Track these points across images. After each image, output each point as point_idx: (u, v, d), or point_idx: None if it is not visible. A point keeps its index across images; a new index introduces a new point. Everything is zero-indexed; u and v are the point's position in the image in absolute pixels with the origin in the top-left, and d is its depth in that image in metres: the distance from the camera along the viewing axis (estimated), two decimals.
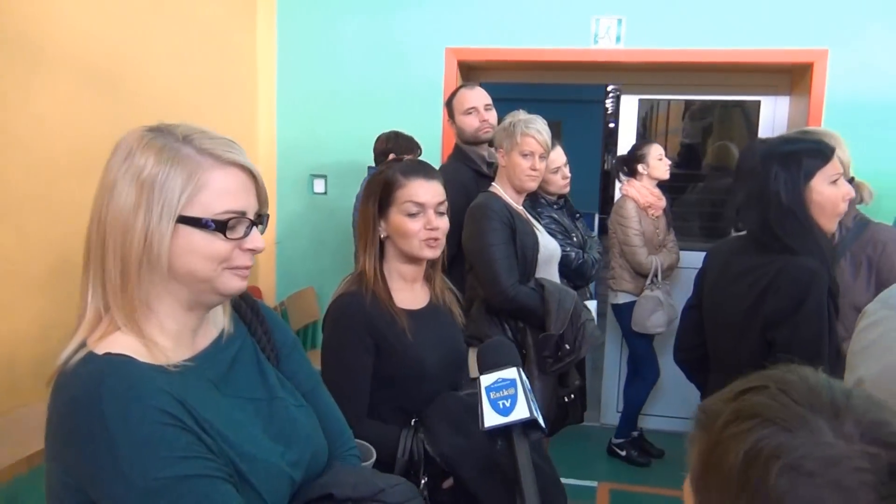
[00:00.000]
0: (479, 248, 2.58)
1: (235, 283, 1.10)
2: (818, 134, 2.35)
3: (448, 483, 1.65)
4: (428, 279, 1.88)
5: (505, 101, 5.67)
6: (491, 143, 2.92)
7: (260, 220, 1.12)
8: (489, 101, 3.08)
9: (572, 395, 2.74)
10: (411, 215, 1.75)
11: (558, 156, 3.27)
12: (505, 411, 1.21)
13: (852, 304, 2.25)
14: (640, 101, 4.40)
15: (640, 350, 3.97)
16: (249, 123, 4.11)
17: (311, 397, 1.29)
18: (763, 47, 3.74)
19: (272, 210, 4.28)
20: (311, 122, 4.17)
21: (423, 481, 1.60)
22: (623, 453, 4.08)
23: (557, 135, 7.61)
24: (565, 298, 2.59)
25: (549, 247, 2.73)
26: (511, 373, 1.27)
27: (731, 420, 0.67)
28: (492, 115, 3.03)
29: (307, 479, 1.18)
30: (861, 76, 3.68)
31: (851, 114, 3.67)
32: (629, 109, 4.39)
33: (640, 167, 3.85)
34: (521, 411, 1.21)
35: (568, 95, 6.87)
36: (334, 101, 4.13)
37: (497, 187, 2.70)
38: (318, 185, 4.21)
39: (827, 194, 1.82)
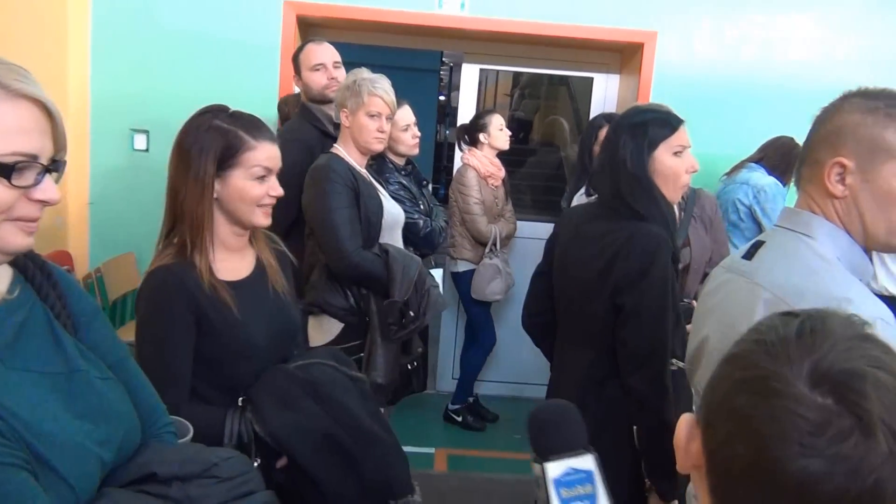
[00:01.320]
0: (320, 211, 2.46)
1: (19, 240, 0.95)
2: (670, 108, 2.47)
3: (282, 462, 1.55)
4: (251, 244, 1.74)
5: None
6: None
7: (55, 166, 0.96)
8: (338, 58, 2.95)
9: (415, 363, 2.71)
10: (260, 178, 1.61)
11: (407, 114, 3.20)
12: None
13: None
14: (480, 70, 4.41)
15: (478, 317, 4.03)
16: (57, 66, 3.66)
17: (119, 370, 1.14)
18: (599, 25, 3.85)
19: (83, 166, 3.88)
20: (132, 71, 3.79)
21: (255, 463, 1.48)
22: (459, 419, 4.14)
23: (404, 100, 7.46)
24: (410, 265, 2.53)
25: (393, 212, 2.66)
26: (587, 462, 0.99)
27: (751, 329, 0.69)
28: (340, 74, 2.90)
29: (120, 459, 1.05)
30: (688, 59, 3.90)
31: (677, 95, 3.87)
32: (470, 79, 4.39)
33: (481, 136, 3.87)
34: None
35: (403, 63, 6.78)
36: (159, 51, 3.79)
37: (339, 149, 2.58)
38: (140, 141, 3.86)
39: (669, 164, 1.87)
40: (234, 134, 1.60)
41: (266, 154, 1.62)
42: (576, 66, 4.38)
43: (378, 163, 2.98)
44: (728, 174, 3.58)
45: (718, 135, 3.87)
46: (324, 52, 2.94)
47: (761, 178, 3.38)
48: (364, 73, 2.62)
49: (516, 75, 7.53)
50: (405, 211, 2.85)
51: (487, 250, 3.83)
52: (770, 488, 0.59)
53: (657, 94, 3.88)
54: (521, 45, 4.19)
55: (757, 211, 3.36)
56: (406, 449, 3.62)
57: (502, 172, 3.95)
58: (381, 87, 2.56)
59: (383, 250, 2.53)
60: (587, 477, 0.96)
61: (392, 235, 2.65)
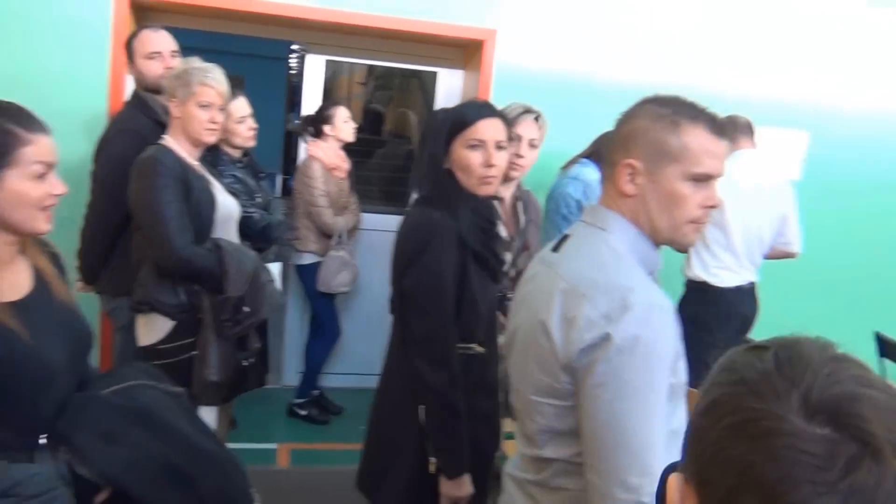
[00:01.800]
0: (147, 205, 2.37)
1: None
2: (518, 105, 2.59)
3: (102, 496, 1.46)
4: (22, 251, 1.54)
5: (181, 49, 5.27)
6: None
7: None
8: (175, 46, 2.84)
9: (252, 359, 2.66)
10: (39, 177, 1.44)
11: (242, 105, 3.13)
12: None
13: None
14: (327, 62, 4.37)
15: (324, 310, 4.01)
16: None
17: None
18: (441, 21, 3.92)
19: None
20: None
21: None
22: (304, 413, 4.10)
23: (241, 90, 7.26)
24: (244, 260, 2.49)
25: (227, 206, 2.60)
26: None
27: (721, 369, 0.67)
28: (177, 62, 2.78)
29: None
30: (527, 57, 4.04)
31: (517, 92, 4.00)
32: (315, 70, 4.34)
33: (326, 128, 3.86)
34: None
35: (251, 49, 6.60)
36: None
37: (169, 140, 2.48)
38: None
39: (461, 156, 1.92)
40: (3, 129, 1.41)
41: (44, 148, 1.45)
42: (420, 61, 4.44)
43: (212, 155, 2.90)
44: (563, 169, 3.74)
45: (558, 131, 4.04)
46: (160, 40, 2.82)
47: (591, 173, 3.56)
48: (195, 62, 2.53)
49: (371, 68, 7.53)
50: (241, 205, 2.79)
51: (334, 242, 3.83)
52: None
53: (498, 90, 4.01)
54: (367, 37, 4.19)
55: (585, 206, 3.56)
56: (248, 446, 3.58)
57: (347, 164, 3.95)
58: (213, 76, 2.49)
59: (216, 245, 2.47)
60: None
61: (226, 230, 2.59)
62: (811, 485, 0.54)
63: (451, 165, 1.94)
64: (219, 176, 2.75)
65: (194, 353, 2.44)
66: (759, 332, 3.61)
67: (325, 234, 3.83)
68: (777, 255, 3.64)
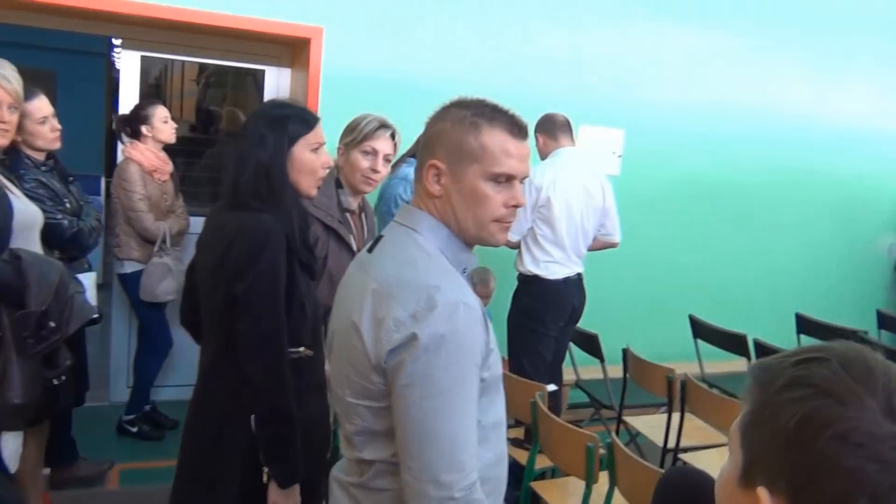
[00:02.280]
0: None
1: None
2: (374, 119, 2.57)
3: None
4: None
5: None
6: None
7: None
8: None
9: (63, 377, 2.48)
10: None
11: (43, 104, 2.89)
12: None
13: None
14: (143, 58, 4.15)
15: (151, 320, 3.81)
16: None
17: None
18: (266, 17, 3.83)
19: None
20: None
21: None
22: (134, 429, 3.89)
23: (52, 86, 6.76)
24: (48, 271, 2.32)
25: (28, 213, 2.41)
26: None
27: (788, 385, 0.72)
28: None
29: None
30: (355, 56, 4.03)
31: (346, 90, 4.00)
32: (131, 66, 4.11)
33: (144, 129, 3.67)
34: None
35: (64, 44, 6.16)
36: None
37: None
38: None
39: (307, 160, 1.95)
40: None
41: None
42: (246, 58, 4.33)
43: (11, 158, 2.67)
44: (391, 168, 3.76)
45: None
46: None
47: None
48: None
49: (202, 64, 7.21)
50: (45, 211, 2.60)
51: (156, 249, 3.64)
52: None
53: (326, 89, 3.98)
54: (187, 33, 4.02)
55: None
56: None
57: (169, 166, 3.77)
58: (0, 73, 2.30)
59: (14, 256, 2.27)
60: None
61: (28, 239, 2.40)
62: None
63: (289, 169, 1.92)
64: (17, 181, 2.54)
65: None
66: (589, 317, 3.82)
67: (147, 241, 3.64)
68: (600, 246, 3.86)
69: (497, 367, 1.40)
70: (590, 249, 3.82)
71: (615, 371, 3.94)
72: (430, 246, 1.38)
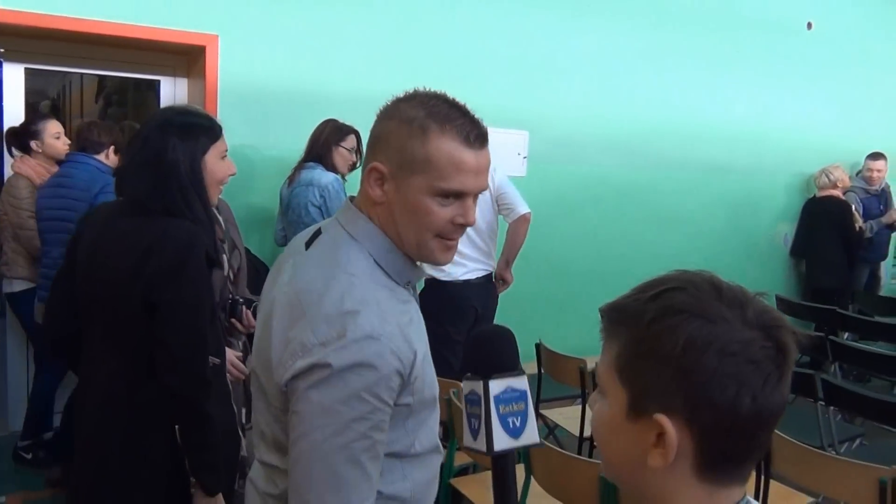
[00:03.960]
0: None
1: None
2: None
3: None
4: None
5: None
6: None
7: None
8: None
9: None
10: None
11: None
12: (515, 432, 1.07)
13: None
14: (29, 70, 3.97)
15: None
16: None
17: None
18: (158, 26, 3.73)
19: None
20: None
21: None
22: (29, 456, 3.67)
23: None
24: None
25: None
26: (522, 382, 1.10)
27: (659, 316, 0.78)
28: None
29: None
30: (250, 61, 3.96)
31: (244, 98, 3.93)
32: (14, 79, 3.92)
33: (33, 144, 3.53)
34: (531, 434, 1.08)
35: None
36: None
37: None
38: None
39: (217, 168, 1.94)
40: None
41: None
42: (139, 69, 4.19)
43: None
44: (290, 177, 3.68)
45: (281, 138, 4.02)
46: None
47: (322, 175, 3.57)
48: None
49: (102, 79, 6.94)
50: None
51: None
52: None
53: (224, 97, 3.90)
54: (76, 43, 3.87)
55: (324, 211, 3.54)
56: None
57: None
58: None
59: None
60: (521, 395, 1.07)
61: None
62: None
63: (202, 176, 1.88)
64: None
65: None
66: (500, 316, 3.82)
67: (37, 258, 3.48)
68: (514, 228, 3.74)
69: (429, 388, 1.29)
70: (513, 241, 3.74)
71: (530, 368, 3.96)
72: (363, 257, 1.25)
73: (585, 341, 4.60)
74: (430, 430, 1.35)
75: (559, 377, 3.70)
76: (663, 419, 0.77)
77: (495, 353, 1.11)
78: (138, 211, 1.84)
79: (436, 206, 1.21)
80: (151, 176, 1.83)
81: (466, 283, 3.59)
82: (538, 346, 3.81)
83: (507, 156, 4.69)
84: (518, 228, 3.78)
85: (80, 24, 3.56)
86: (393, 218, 1.24)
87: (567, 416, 3.71)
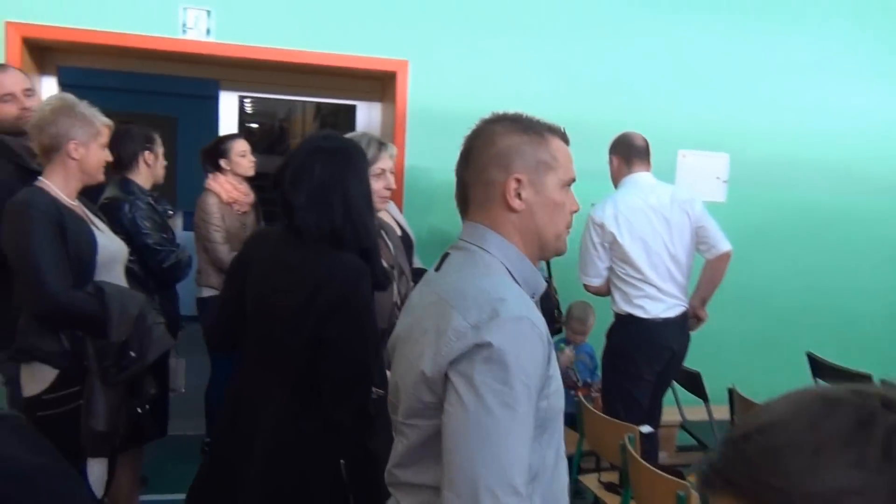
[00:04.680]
0: (20, 250, 2.27)
1: None
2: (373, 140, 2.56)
3: None
4: None
5: (102, 90, 5.17)
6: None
7: None
8: (29, 85, 2.72)
9: (146, 406, 2.55)
10: None
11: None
12: None
13: None
14: (243, 98, 4.32)
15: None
16: None
17: None
18: (354, 54, 3.89)
19: None
20: None
21: None
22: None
23: (173, 131, 7.12)
24: (129, 302, 2.40)
25: (110, 248, 2.49)
26: None
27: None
28: (33, 102, 2.68)
29: None
30: (438, 86, 4.03)
31: (432, 122, 3.99)
32: (229, 105, 4.28)
33: (222, 162, 3.79)
34: None
35: (182, 90, 6.52)
36: None
37: (45, 182, 2.38)
38: None
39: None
40: None
41: None
42: (338, 94, 4.41)
43: (123, 182, 2.92)
44: None
45: None
46: (12, 81, 2.69)
47: None
48: (74, 98, 2.45)
49: (319, 105, 7.49)
50: (149, 236, 2.86)
51: None
52: None
53: (413, 121, 3.99)
54: (281, 72, 4.14)
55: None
56: (164, 497, 3.39)
57: (249, 198, 3.86)
58: (104, 117, 2.45)
59: (98, 288, 2.37)
60: None
61: (111, 272, 2.48)
62: None
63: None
64: (135, 207, 2.70)
65: (81, 402, 2.33)
66: (691, 354, 3.54)
67: (221, 270, 3.70)
68: (714, 265, 3.47)
69: (558, 399, 1.32)
70: (711, 280, 3.47)
71: (722, 412, 3.65)
72: (496, 263, 1.33)
73: (784, 387, 4.19)
74: (557, 451, 1.36)
75: None
76: None
77: None
78: (307, 243, 1.89)
79: (564, 197, 1.38)
80: (322, 206, 1.87)
81: (665, 322, 3.33)
82: (731, 392, 3.50)
83: (704, 180, 4.39)
84: (718, 266, 3.48)
85: (287, 54, 3.80)
86: (533, 221, 1.35)
87: None
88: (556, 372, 1.30)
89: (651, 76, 4.32)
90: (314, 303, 1.81)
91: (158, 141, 3.19)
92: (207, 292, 3.77)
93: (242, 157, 3.80)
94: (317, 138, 2.12)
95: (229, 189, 3.75)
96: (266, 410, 1.90)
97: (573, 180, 1.40)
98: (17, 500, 1.41)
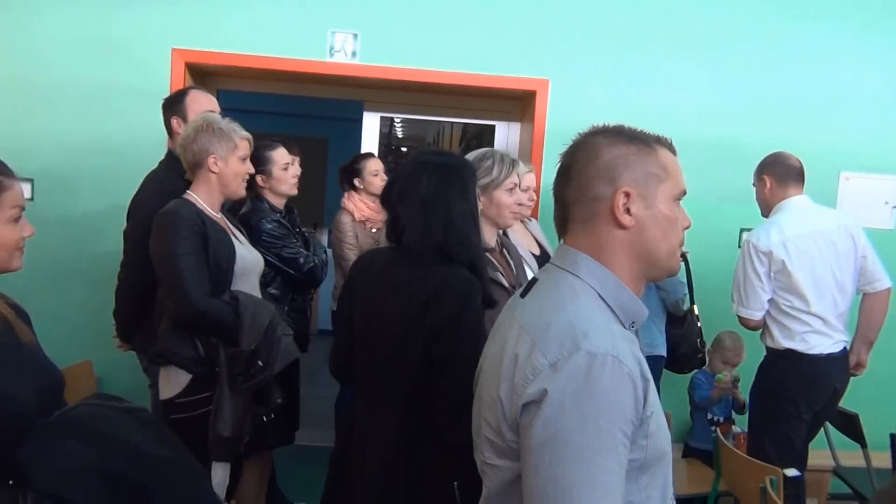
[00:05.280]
0: (165, 257, 2.40)
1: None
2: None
3: None
4: None
5: (259, 113, 5.47)
6: None
7: None
8: (215, 106, 2.88)
9: (272, 415, 2.61)
10: (16, 220, 1.54)
11: (283, 154, 3.19)
12: None
13: None
14: (384, 118, 4.42)
15: None
16: None
17: None
18: (493, 73, 3.88)
19: None
20: (16, 118, 3.72)
21: None
22: None
23: (324, 151, 7.42)
24: (260, 312, 2.47)
25: (248, 258, 2.60)
26: None
27: None
28: None
29: None
30: (577, 105, 3.93)
31: (569, 139, 3.89)
32: (372, 126, 4.39)
33: (356, 181, 3.87)
34: None
35: (333, 112, 6.81)
36: (45, 96, 3.72)
37: (192, 195, 2.52)
38: (24, 190, 3.76)
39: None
40: None
41: (19, 192, 1.55)
42: (477, 115, 4.42)
43: (256, 200, 3.06)
44: None
45: None
46: (212, 101, 2.90)
47: None
48: (215, 116, 2.58)
49: (465, 125, 7.62)
50: (285, 247, 2.89)
51: None
52: None
53: (551, 140, 3.91)
54: (421, 93, 4.20)
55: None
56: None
57: (382, 216, 3.91)
58: (242, 130, 2.56)
59: (233, 297, 2.46)
60: None
61: (246, 282, 2.58)
62: None
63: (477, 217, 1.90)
64: (243, 230, 2.77)
65: (211, 407, 2.42)
66: (849, 394, 3.21)
67: None
68: (873, 302, 3.18)
69: (660, 440, 1.18)
70: (872, 319, 3.17)
71: (881, 459, 3.28)
72: (588, 292, 1.22)
73: None
74: (665, 485, 1.24)
75: None
76: None
77: None
78: (414, 260, 1.86)
79: (677, 211, 1.27)
80: (429, 221, 1.84)
81: (829, 358, 3.05)
82: (893, 438, 3.13)
83: (870, 205, 4.00)
84: (879, 304, 3.18)
85: (427, 75, 3.85)
86: (644, 238, 1.24)
87: None
88: (657, 412, 1.17)
89: (807, 92, 4.00)
90: (424, 320, 1.77)
91: (276, 161, 3.15)
92: None
93: (375, 177, 3.87)
94: (425, 153, 2.11)
95: (362, 207, 3.83)
96: (378, 429, 1.89)
97: (684, 193, 1.28)
98: (145, 486, 1.47)
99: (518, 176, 2.46)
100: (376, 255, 2.08)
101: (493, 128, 4.48)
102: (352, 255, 3.75)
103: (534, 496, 1.10)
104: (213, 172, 2.51)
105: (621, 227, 1.22)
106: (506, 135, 4.37)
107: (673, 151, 1.30)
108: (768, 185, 3.16)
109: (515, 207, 2.48)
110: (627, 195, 1.21)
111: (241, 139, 2.55)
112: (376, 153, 4.37)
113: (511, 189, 2.43)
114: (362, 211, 3.82)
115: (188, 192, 2.54)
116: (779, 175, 3.14)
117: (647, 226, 1.23)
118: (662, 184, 1.24)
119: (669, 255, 1.26)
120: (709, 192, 3.79)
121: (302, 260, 3.11)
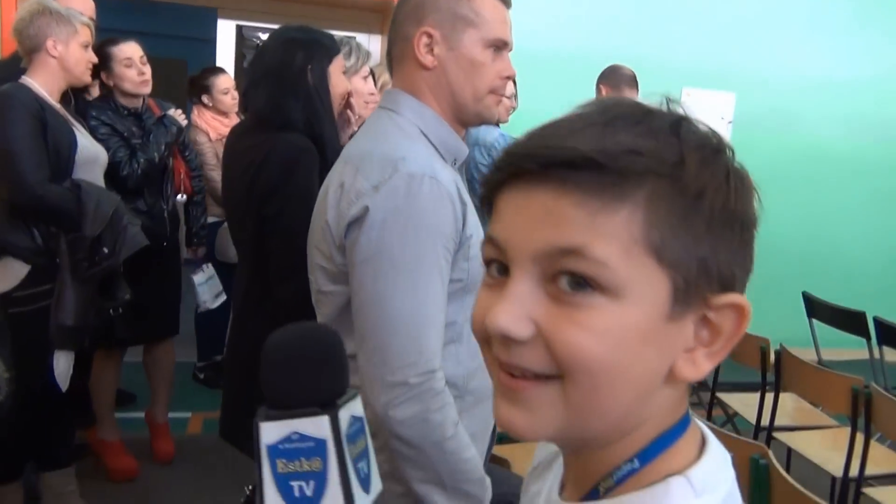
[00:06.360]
0: None
1: None
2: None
3: None
4: None
5: (115, 32, 5.16)
6: None
7: None
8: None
9: (119, 309, 2.57)
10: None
11: (133, 49, 2.97)
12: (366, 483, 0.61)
13: None
14: (239, 27, 4.30)
15: (222, 278, 3.80)
16: None
17: None
18: None
19: None
20: None
21: None
22: (202, 376, 3.95)
23: (183, 73, 7.09)
24: (105, 201, 2.41)
25: (90, 149, 2.50)
26: (319, 426, 0.59)
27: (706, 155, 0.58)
28: None
29: None
30: None
31: None
32: (227, 35, 4.26)
33: (205, 98, 3.69)
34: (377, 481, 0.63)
35: (192, 33, 6.49)
36: None
37: (28, 79, 2.39)
38: None
39: (339, 82, 1.94)
40: None
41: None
42: (338, 25, 4.37)
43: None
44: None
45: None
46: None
47: (487, 133, 3.37)
48: (49, 1, 2.44)
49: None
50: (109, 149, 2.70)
51: None
52: None
53: None
54: (283, 2, 4.11)
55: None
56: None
57: None
58: (82, 16, 2.45)
59: (75, 185, 2.38)
60: (317, 448, 0.59)
61: (90, 173, 2.49)
62: None
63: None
64: (82, 120, 2.65)
65: (52, 300, 2.35)
66: None
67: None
68: None
69: (475, 273, 1.25)
70: None
71: None
72: (409, 125, 1.27)
73: (784, 332, 4.15)
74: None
75: (738, 358, 3.33)
76: (742, 300, 0.55)
77: (280, 375, 0.64)
78: (258, 127, 1.88)
79: (488, 58, 1.26)
80: (273, 88, 1.85)
81: None
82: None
83: (708, 121, 4.28)
84: None
85: None
86: (446, 79, 1.26)
87: (746, 404, 3.34)
88: (477, 236, 1.24)
89: (652, 9, 4.22)
90: (255, 183, 1.80)
91: (116, 56, 2.89)
92: (212, 219, 3.68)
93: (225, 95, 3.67)
94: (288, 28, 2.10)
95: (217, 126, 3.64)
96: (236, 302, 1.97)
97: (503, 42, 1.28)
98: None
99: (370, 70, 2.49)
100: (238, 127, 2.10)
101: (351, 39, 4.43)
102: (215, 175, 3.56)
103: (361, 310, 1.18)
104: (53, 57, 2.39)
105: (424, 67, 1.26)
106: (366, 46, 4.34)
107: (505, 2, 1.30)
108: (603, 92, 3.40)
109: (368, 97, 2.51)
110: (430, 35, 1.24)
111: (82, 25, 2.43)
112: (233, 65, 4.25)
113: (366, 77, 2.45)
114: (217, 129, 3.62)
115: (23, 76, 2.41)
116: (612, 83, 3.40)
117: (449, 68, 1.25)
118: (472, 28, 1.25)
119: (476, 100, 1.28)
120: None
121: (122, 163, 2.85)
